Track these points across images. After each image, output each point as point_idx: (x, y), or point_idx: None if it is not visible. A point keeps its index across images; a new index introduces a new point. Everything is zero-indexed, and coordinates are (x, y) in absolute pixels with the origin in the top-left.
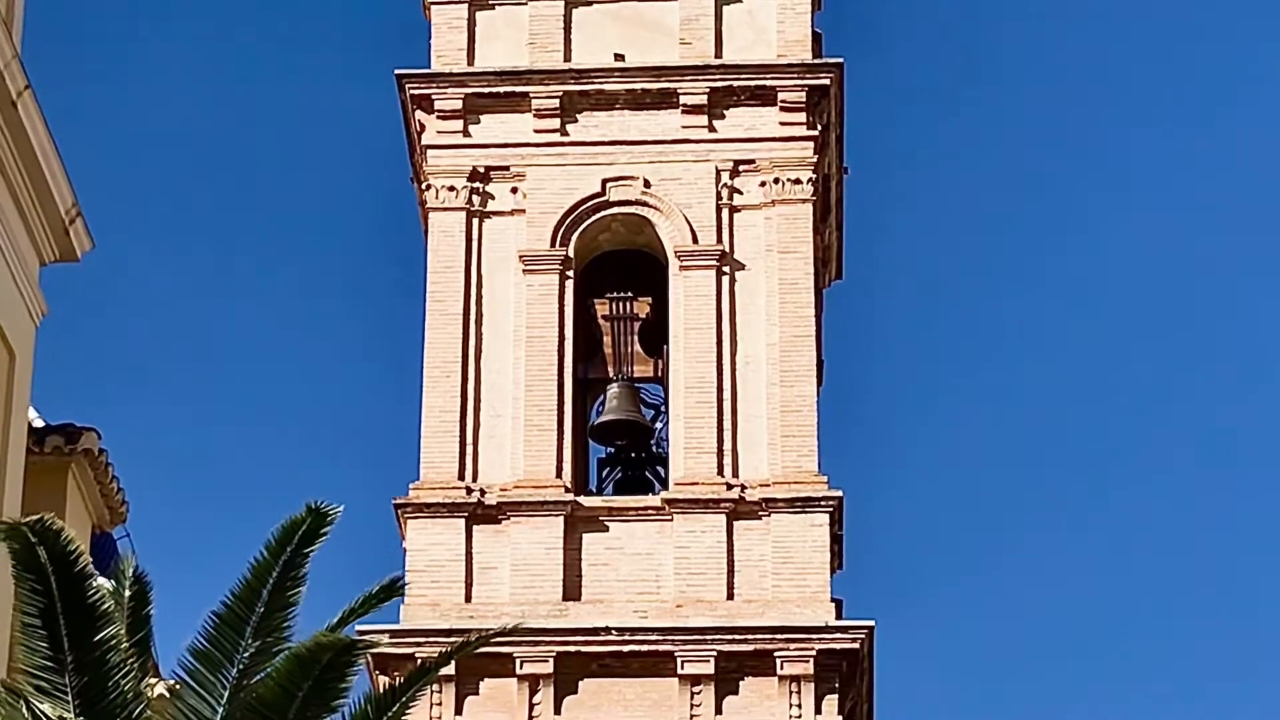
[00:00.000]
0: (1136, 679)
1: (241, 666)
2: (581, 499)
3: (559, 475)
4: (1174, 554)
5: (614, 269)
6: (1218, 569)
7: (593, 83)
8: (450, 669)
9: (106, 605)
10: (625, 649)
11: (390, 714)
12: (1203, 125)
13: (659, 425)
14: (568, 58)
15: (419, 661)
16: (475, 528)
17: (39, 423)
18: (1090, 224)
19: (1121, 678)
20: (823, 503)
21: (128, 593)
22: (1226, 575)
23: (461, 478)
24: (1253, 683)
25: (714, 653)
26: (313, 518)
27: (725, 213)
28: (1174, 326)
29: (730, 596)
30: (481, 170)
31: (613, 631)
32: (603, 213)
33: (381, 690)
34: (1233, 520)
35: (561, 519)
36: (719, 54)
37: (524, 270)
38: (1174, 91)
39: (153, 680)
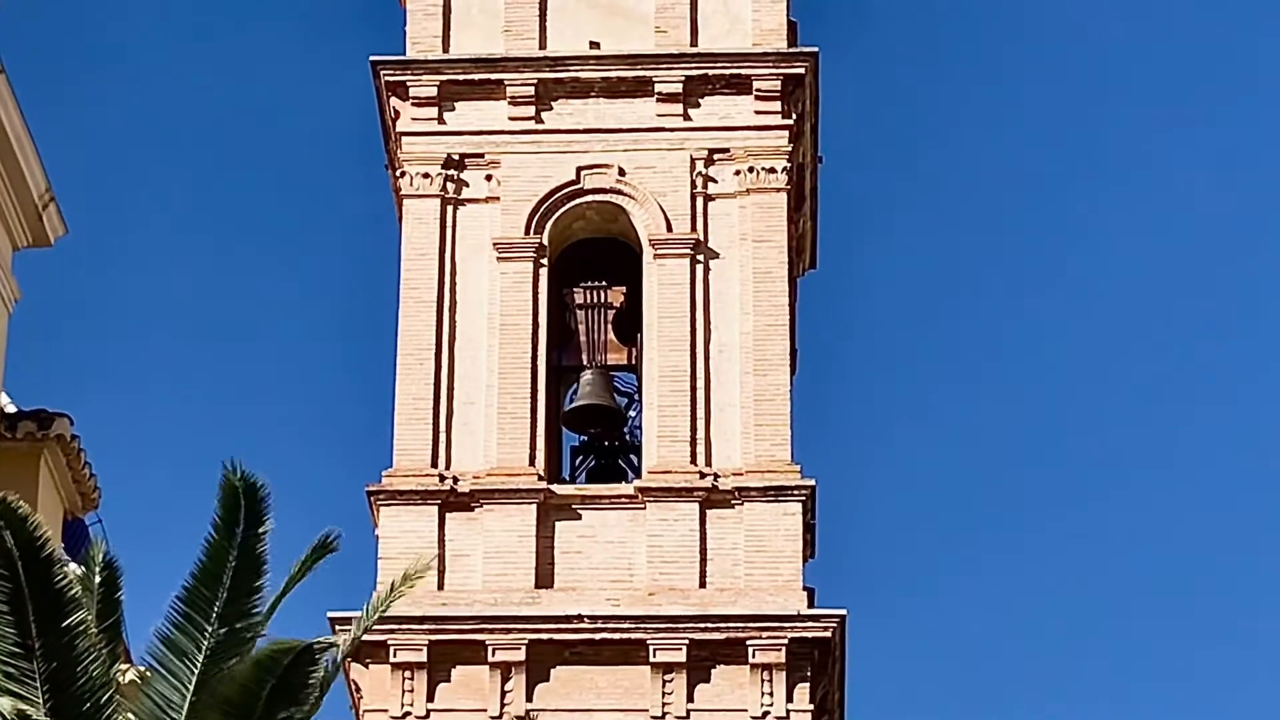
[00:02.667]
0: (1111, 671)
1: (209, 654)
2: (554, 487)
3: (532, 463)
4: (1151, 547)
5: (588, 257)
6: (1198, 565)
7: (568, 70)
8: (422, 656)
9: (74, 591)
10: (597, 637)
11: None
12: (1187, 114)
13: (632, 413)
14: (543, 45)
15: (391, 650)
16: (448, 515)
17: (11, 408)
18: (1069, 213)
19: (1096, 670)
20: (795, 491)
21: (98, 579)
22: (1210, 571)
23: (434, 465)
24: (1240, 684)
25: (686, 641)
26: (244, 489)
27: (700, 201)
28: (1155, 317)
29: (703, 585)
30: (456, 157)
31: (585, 619)
32: (577, 200)
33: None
34: (1220, 514)
35: (534, 507)
36: (694, 42)
37: (498, 258)
38: (1158, 81)
39: (124, 666)
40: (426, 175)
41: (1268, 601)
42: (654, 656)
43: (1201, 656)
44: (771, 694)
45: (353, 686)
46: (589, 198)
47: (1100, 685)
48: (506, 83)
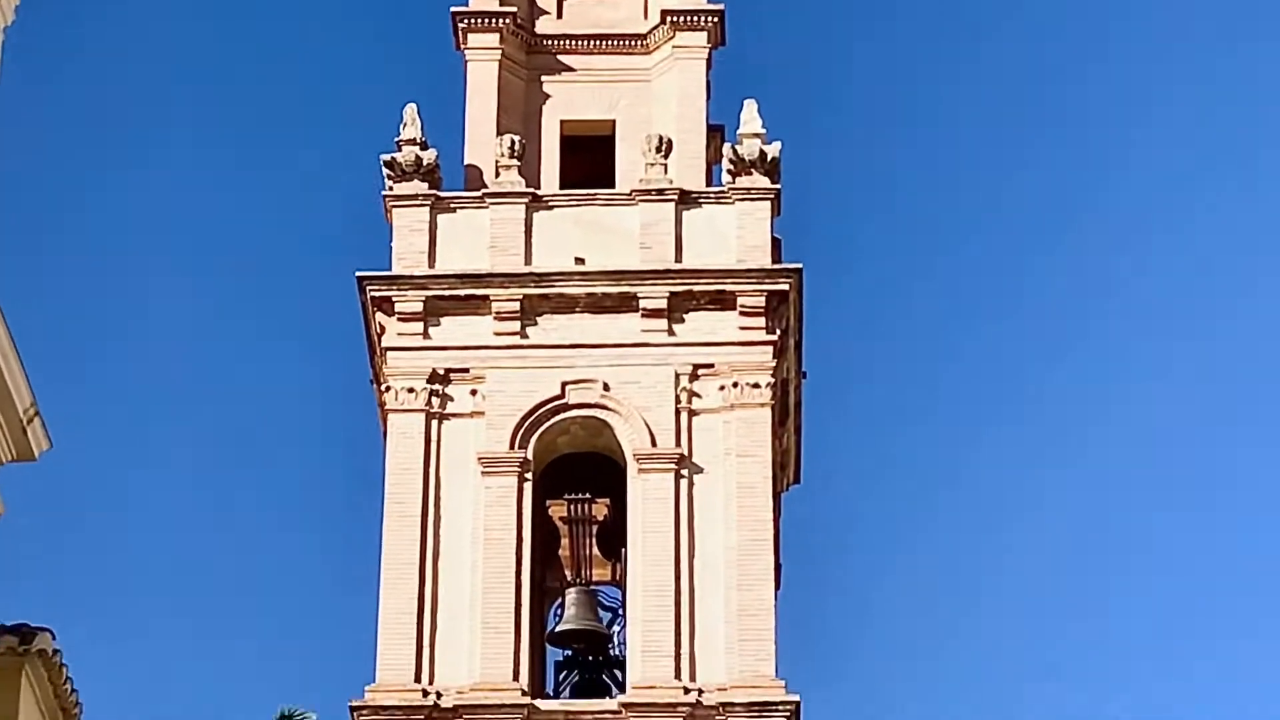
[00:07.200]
0: None
1: None
2: (539, 702)
3: (516, 678)
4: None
5: (572, 470)
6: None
7: (553, 286)
8: None
9: None
10: None
11: None
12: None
13: (616, 628)
14: (528, 261)
15: None
16: None
17: None
18: (1055, 411)
19: None
20: (780, 707)
21: None
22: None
23: (418, 680)
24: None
25: None
26: None
27: (684, 416)
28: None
29: None
30: (441, 372)
31: None
32: (562, 415)
33: None
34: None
35: None
36: (679, 258)
37: (483, 472)
38: (1158, 225)
39: None
40: (411, 390)
41: None
42: None
43: None
44: None
45: None
46: (574, 413)
47: None
48: (492, 298)
